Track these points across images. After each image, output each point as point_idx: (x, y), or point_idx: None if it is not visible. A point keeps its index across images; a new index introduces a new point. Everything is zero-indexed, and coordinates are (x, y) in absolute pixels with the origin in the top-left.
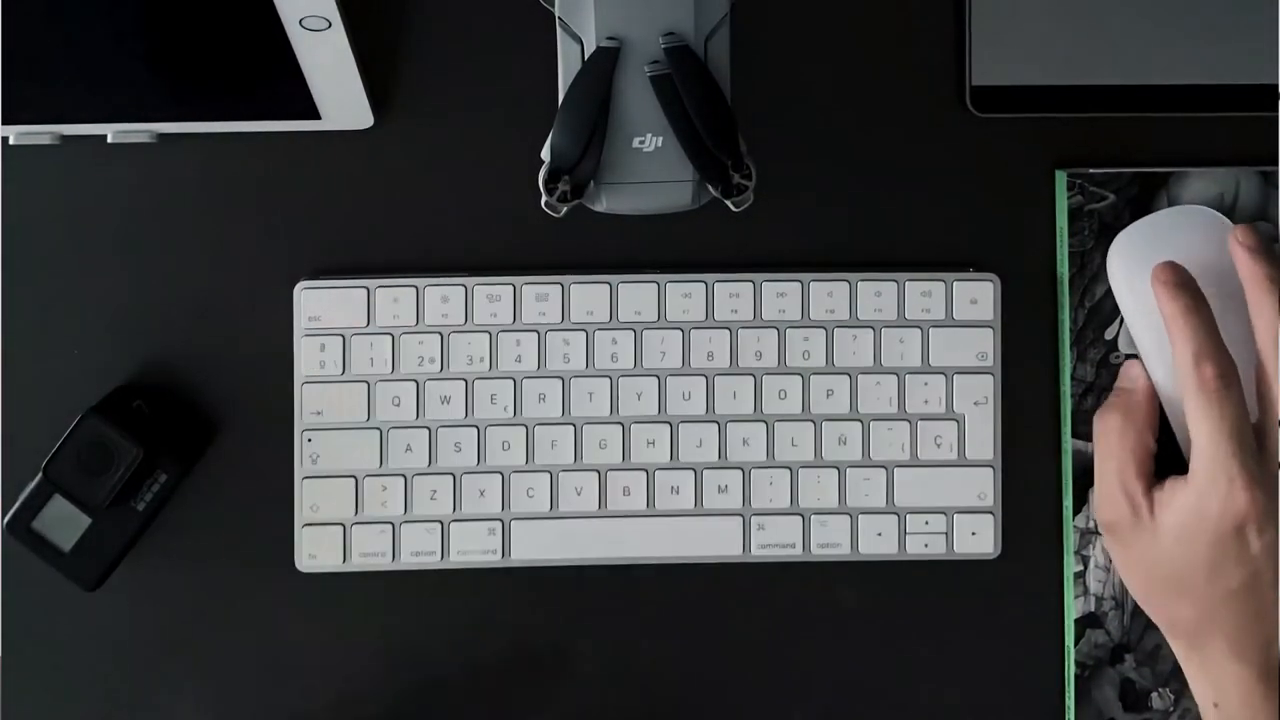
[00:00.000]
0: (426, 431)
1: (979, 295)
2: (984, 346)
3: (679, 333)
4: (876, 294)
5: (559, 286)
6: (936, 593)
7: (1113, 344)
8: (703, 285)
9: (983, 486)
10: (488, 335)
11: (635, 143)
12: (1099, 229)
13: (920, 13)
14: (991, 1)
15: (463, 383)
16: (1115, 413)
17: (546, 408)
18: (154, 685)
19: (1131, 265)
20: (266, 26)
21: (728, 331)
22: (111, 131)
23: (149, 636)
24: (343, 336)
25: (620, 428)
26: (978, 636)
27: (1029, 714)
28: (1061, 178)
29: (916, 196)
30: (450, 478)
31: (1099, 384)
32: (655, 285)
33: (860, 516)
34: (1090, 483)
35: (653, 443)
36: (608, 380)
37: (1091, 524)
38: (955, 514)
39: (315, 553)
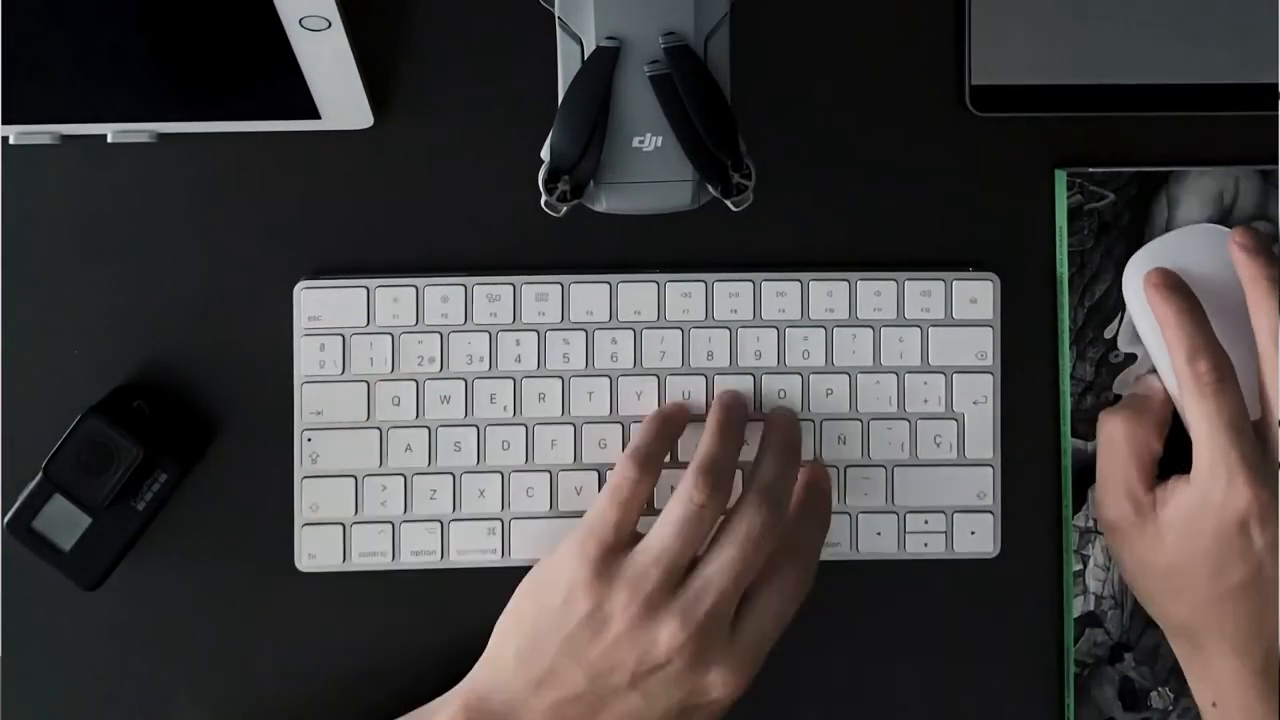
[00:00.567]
0: (426, 431)
1: (978, 295)
2: (983, 346)
3: (679, 332)
4: (876, 293)
5: (559, 286)
6: (936, 592)
7: (1112, 343)
8: (702, 285)
9: (982, 486)
10: (487, 335)
11: (635, 142)
12: (1098, 228)
13: (920, 13)
14: (991, 1)
15: (462, 382)
16: (1125, 414)
17: (546, 407)
18: (154, 685)
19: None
20: (266, 26)
21: (727, 331)
22: (111, 131)
23: (149, 636)
24: (342, 336)
25: (620, 427)
26: (977, 636)
27: (1029, 713)
28: (1061, 177)
29: (916, 196)
30: (450, 477)
31: (1098, 383)
32: (655, 285)
33: (860, 516)
34: (1090, 481)
35: None
36: (607, 380)
37: (1091, 523)
38: (955, 513)
39: (315, 552)
